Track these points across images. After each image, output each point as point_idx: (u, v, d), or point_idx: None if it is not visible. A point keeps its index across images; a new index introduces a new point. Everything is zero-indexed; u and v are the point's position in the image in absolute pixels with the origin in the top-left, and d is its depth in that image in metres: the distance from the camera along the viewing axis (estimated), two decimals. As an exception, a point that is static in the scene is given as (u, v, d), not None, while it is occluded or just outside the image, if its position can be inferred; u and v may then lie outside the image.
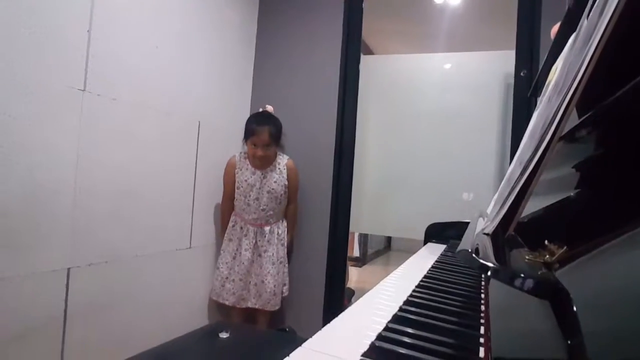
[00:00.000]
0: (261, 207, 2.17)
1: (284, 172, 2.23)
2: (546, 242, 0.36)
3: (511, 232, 0.47)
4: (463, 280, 0.87)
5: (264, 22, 2.56)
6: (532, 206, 0.50)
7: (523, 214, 0.46)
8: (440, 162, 2.39)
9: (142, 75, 1.75)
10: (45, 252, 1.40)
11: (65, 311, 1.48)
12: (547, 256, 0.34)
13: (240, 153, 2.26)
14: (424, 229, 1.56)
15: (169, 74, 1.91)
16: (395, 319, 0.59)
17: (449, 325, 0.56)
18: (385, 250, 6.81)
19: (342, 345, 0.50)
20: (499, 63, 2.30)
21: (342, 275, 2.47)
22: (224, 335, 1.17)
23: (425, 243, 1.52)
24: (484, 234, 0.57)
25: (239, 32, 2.42)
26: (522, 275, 0.33)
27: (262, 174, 2.19)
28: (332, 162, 2.37)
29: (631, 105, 0.34)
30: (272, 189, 2.18)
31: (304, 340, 0.50)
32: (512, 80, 2.19)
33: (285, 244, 2.27)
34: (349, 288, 3.08)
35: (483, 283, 0.81)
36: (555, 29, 0.86)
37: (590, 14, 0.42)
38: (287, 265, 2.29)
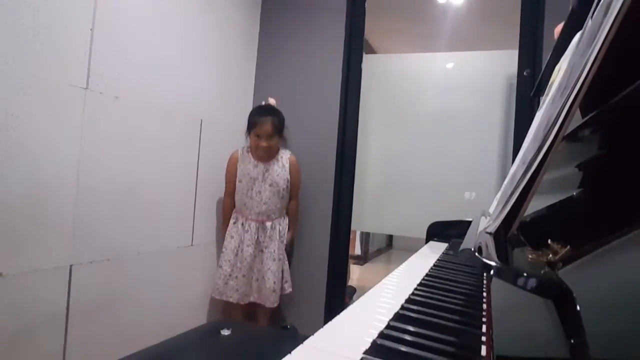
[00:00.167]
0: (263, 201, 2.17)
1: (287, 166, 2.24)
2: (549, 241, 0.36)
3: (514, 231, 0.47)
4: (465, 278, 0.87)
5: (266, 21, 2.56)
6: (535, 205, 0.50)
7: (526, 213, 0.46)
8: (443, 161, 2.38)
9: (145, 73, 1.75)
10: (47, 249, 1.41)
11: (67, 308, 1.49)
12: (550, 255, 0.34)
13: (243, 148, 2.27)
14: (426, 228, 1.56)
15: (172, 72, 1.91)
16: (397, 317, 0.59)
17: (451, 324, 0.56)
18: (387, 249, 6.82)
19: (343, 343, 0.50)
20: (501, 63, 2.30)
21: (344, 274, 2.47)
22: (225, 332, 1.17)
23: (427, 242, 1.52)
24: (487, 232, 0.57)
25: (241, 30, 2.42)
26: (525, 274, 0.33)
27: (264, 167, 2.19)
28: (334, 161, 2.37)
29: (635, 106, 0.34)
30: (275, 182, 2.19)
31: (306, 338, 0.50)
32: (515, 80, 2.19)
33: (285, 242, 2.27)
34: (350, 286, 3.09)
35: (485, 282, 0.81)
36: (558, 28, 0.86)
37: (595, 13, 0.42)
38: (287, 262, 2.28)
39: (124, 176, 1.68)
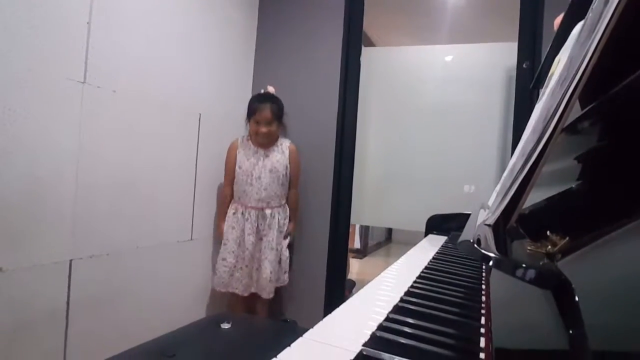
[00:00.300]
0: (263, 187, 2.17)
1: (286, 153, 2.25)
2: (548, 233, 0.36)
3: (513, 223, 0.47)
4: (464, 271, 0.87)
5: (264, 14, 2.55)
6: (534, 197, 0.50)
7: (525, 205, 0.46)
8: (442, 154, 2.38)
9: (143, 67, 1.75)
10: (46, 244, 1.41)
11: (67, 303, 1.49)
12: (549, 247, 0.34)
13: (243, 136, 2.28)
14: (425, 221, 1.57)
15: (170, 66, 1.90)
16: (396, 309, 0.59)
17: (450, 316, 0.56)
18: (386, 242, 6.83)
19: (343, 335, 0.50)
20: (501, 55, 2.29)
21: (343, 267, 2.48)
22: (225, 325, 1.18)
23: (426, 235, 1.52)
24: (486, 225, 0.57)
25: (239, 23, 2.41)
26: (524, 265, 0.33)
27: (264, 153, 2.21)
28: (333, 154, 2.37)
29: (634, 98, 0.34)
30: (274, 167, 2.19)
31: (305, 331, 0.50)
32: (514, 72, 2.18)
33: (286, 233, 2.27)
34: (349, 279, 3.10)
35: (484, 274, 0.82)
36: (558, 20, 0.86)
37: (595, 4, 0.41)
38: (286, 252, 2.27)
39: (123, 170, 1.68)
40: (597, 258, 0.28)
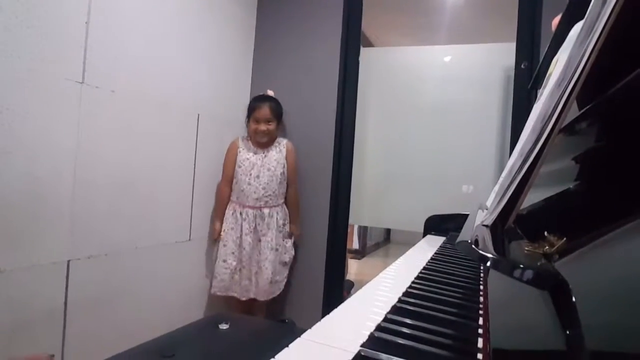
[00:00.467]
0: (262, 186, 2.18)
1: (283, 151, 2.26)
2: (546, 233, 0.36)
3: (511, 223, 0.47)
4: (462, 271, 0.87)
5: (263, 14, 2.54)
6: (532, 198, 0.50)
7: (523, 206, 0.46)
8: (440, 154, 2.38)
9: (141, 67, 1.74)
10: (44, 244, 1.41)
11: (65, 303, 1.49)
12: (547, 247, 0.34)
13: (243, 136, 2.30)
14: (423, 222, 1.57)
15: (169, 66, 1.90)
16: (395, 310, 0.59)
17: (448, 316, 0.57)
18: (385, 243, 6.82)
19: (341, 336, 0.50)
20: (499, 55, 2.29)
21: (342, 268, 2.48)
22: (223, 326, 1.18)
23: (424, 235, 1.52)
24: (484, 225, 0.57)
25: (238, 23, 2.41)
26: (522, 266, 0.33)
27: (263, 153, 2.22)
28: (331, 155, 2.37)
29: (631, 98, 0.34)
30: (273, 167, 2.20)
31: (304, 331, 0.50)
32: (512, 73, 2.18)
33: (284, 232, 2.27)
34: (348, 280, 3.09)
35: (482, 274, 0.82)
36: (556, 20, 0.86)
37: (593, 5, 0.41)
38: (285, 253, 2.28)
39: (121, 171, 1.68)
40: (595, 259, 0.28)
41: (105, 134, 1.60)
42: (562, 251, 0.32)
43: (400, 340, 0.47)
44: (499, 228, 0.49)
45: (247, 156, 2.22)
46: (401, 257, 1.05)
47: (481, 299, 0.66)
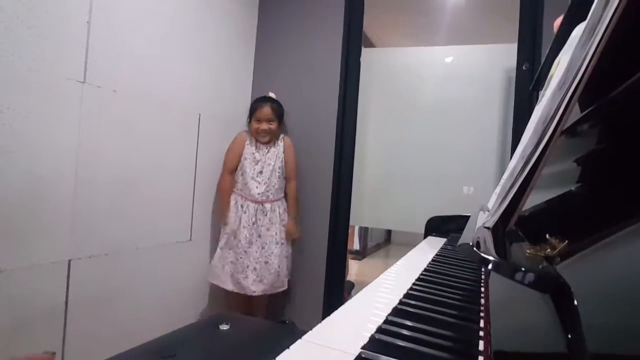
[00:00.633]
0: (264, 182, 2.21)
1: (281, 145, 2.30)
2: (547, 236, 0.36)
3: (512, 225, 0.47)
4: (463, 273, 0.87)
5: (264, 14, 2.55)
6: (534, 200, 0.50)
7: (524, 208, 0.46)
8: (441, 155, 2.38)
9: (143, 66, 1.75)
10: (45, 244, 1.41)
11: (66, 303, 1.49)
12: (548, 250, 0.34)
13: (247, 131, 2.33)
14: (424, 223, 1.57)
15: (170, 66, 1.90)
16: (395, 311, 0.59)
17: (449, 319, 0.56)
18: (386, 244, 6.82)
19: (342, 337, 0.50)
20: (500, 56, 2.29)
21: (342, 268, 2.48)
22: (224, 327, 1.18)
23: (425, 236, 1.52)
24: (485, 227, 0.57)
25: (239, 23, 2.41)
26: (523, 268, 0.33)
27: (266, 150, 2.26)
28: (332, 155, 2.37)
29: (633, 100, 0.34)
30: (272, 161, 2.24)
31: (304, 333, 0.50)
32: (513, 74, 2.18)
33: (286, 228, 2.28)
34: (348, 281, 3.09)
35: (483, 276, 0.82)
36: (558, 22, 0.86)
37: (594, 7, 0.41)
38: (288, 248, 2.29)
39: (122, 170, 1.68)
40: (596, 261, 0.28)
41: (106, 134, 1.60)
42: (564, 254, 0.32)
43: (401, 343, 0.47)
44: (501, 230, 0.49)
45: (252, 151, 2.26)
46: (402, 259, 1.04)
47: (482, 301, 0.66)
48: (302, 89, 2.44)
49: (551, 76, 0.69)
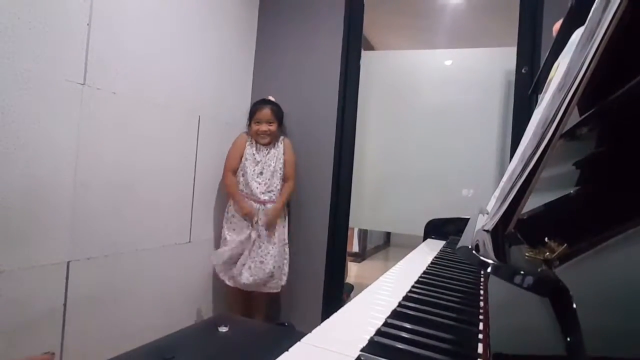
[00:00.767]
0: (264, 183, 2.23)
1: (281, 147, 2.31)
2: (546, 239, 0.36)
3: (511, 229, 0.47)
4: (462, 276, 0.87)
5: (264, 16, 2.55)
6: (533, 203, 0.50)
7: (523, 211, 0.46)
8: (440, 158, 2.39)
9: (143, 68, 1.75)
10: (44, 245, 1.41)
11: (65, 305, 1.49)
12: (547, 253, 0.34)
13: (247, 132, 2.34)
14: (424, 225, 1.57)
15: (170, 68, 1.90)
16: (394, 314, 0.59)
17: (448, 321, 0.56)
18: (385, 246, 6.82)
19: (341, 340, 0.50)
20: (500, 59, 2.29)
21: (342, 271, 2.48)
22: (223, 329, 1.18)
23: (424, 239, 1.52)
24: (484, 230, 0.57)
25: (239, 26, 2.41)
26: (522, 272, 0.33)
27: (266, 151, 2.27)
28: (332, 157, 2.37)
29: (632, 104, 0.34)
30: (273, 163, 2.26)
31: (303, 335, 0.50)
32: (513, 77, 2.18)
33: (285, 226, 2.29)
34: (348, 283, 3.09)
35: (482, 279, 0.82)
36: (557, 25, 0.86)
37: (594, 11, 0.41)
38: (286, 248, 2.29)
39: (122, 172, 1.68)
40: (595, 265, 0.28)
41: (106, 136, 1.60)
42: (563, 257, 0.32)
43: (400, 345, 0.47)
44: (500, 233, 0.49)
45: (252, 152, 2.27)
46: (401, 261, 1.04)
47: (481, 303, 0.66)
48: (302, 91, 2.44)
49: (550, 79, 0.69)
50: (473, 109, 2.33)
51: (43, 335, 1.42)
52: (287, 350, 0.46)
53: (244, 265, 2.17)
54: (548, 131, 0.40)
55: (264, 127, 2.24)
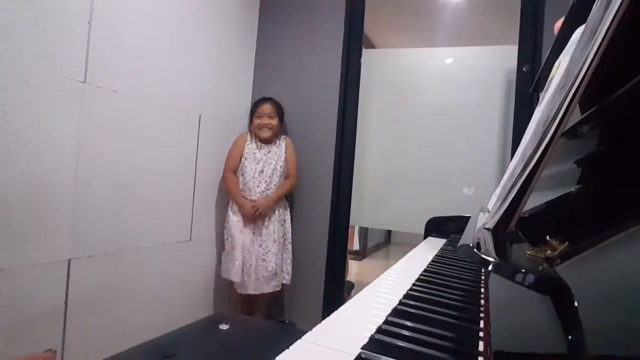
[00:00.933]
0: (264, 180, 2.23)
1: (283, 145, 2.32)
2: (548, 237, 0.36)
3: (512, 227, 0.47)
4: (463, 274, 0.87)
5: (265, 15, 2.55)
6: (534, 201, 0.50)
7: (525, 209, 0.46)
8: (441, 156, 2.38)
9: (143, 67, 1.75)
10: (45, 243, 1.41)
11: (66, 302, 1.49)
12: (549, 251, 0.34)
13: (248, 132, 2.35)
14: (424, 223, 1.57)
15: (170, 66, 1.90)
16: (395, 312, 0.59)
17: (449, 319, 0.56)
18: (385, 244, 6.82)
19: (342, 337, 0.50)
20: (501, 58, 2.29)
21: (342, 269, 2.48)
22: (224, 327, 1.18)
23: (425, 237, 1.52)
24: (485, 228, 0.57)
25: (240, 24, 2.41)
26: (523, 270, 0.33)
27: (267, 149, 2.28)
28: (333, 156, 2.37)
29: (633, 103, 0.34)
30: (274, 161, 2.26)
31: (304, 333, 0.50)
32: (514, 76, 2.18)
33: (285, 226, 2.30)
34: (348, 281, 3.09)
35: (483, 277, 0.82)
36: (558, 24, 0.86)
37: (595, 9, 0.41)
38: (289, 247, 2.30)
39: (122, 170, 1.68)
40: (596, 263, 0.28)
41: (106, 134, 1.60)
42: (564, 255, 0.32)
43: (401, 343, 0.47)
44: (501, 231, 0.49)
45: (253, 150, 2.27)
46: (402, 259, 1.05)
47: (482, 301, 0.66)
48: (302, 89, 2.44)
49: (552, 78, 0.69)
50: (474, 107, 2.33)
51: (44, 333, 1.42)
52: (287, 348, 0.46)
53: (250, 265, 2.18)
54: (549, 129, 0.40)
55: (266, 120, 2.26)
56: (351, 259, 5.04)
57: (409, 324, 0.54)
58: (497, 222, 0.51)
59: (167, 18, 1.86)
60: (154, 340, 1.09)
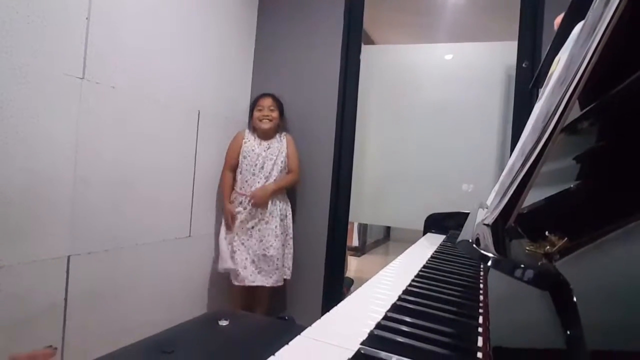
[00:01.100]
0: (265, 176, 2.23)
1: (284, 141, 2.32)
2: (547, 233, 0.36)
3: (511, 223, 0.47)
4: (462, 270, 0.87)
5: (264, 12, 2.54)
6: (533, 197, 0.50)
7: (524, 205, 0.46)
8: (441, 152, 2.38)
9: (142, 63, 1.74)
10: (44, 240, 1.41)
11: (65, 299, 1.49)
12: (548, 247, 0.34)
13: (247, 129, 2.35)
14: (424, 220, 1.57)
15: (169, 63, 1.89)
16: (394, 308, 0.59)
17: (448, 315, 0.57)
18: (385, 240, 6.83)
19: (341, 333, 0.50)
20: (500, 54, 2.29)
21: (342, 265, 2.48)
22: (223, 323, 1.18)
23: (424, 233, 1.52)
24: (484, 224, 0.57)
25: (239, 21, 2.40)
26: (523, 265, 0.33)
27: (267, 144, 2.28)
28: (332, 152, 2.37)
29: (633, 98, 0.34)
30: (275, 156, 2.26)
31: (304, 329, 0.50)
32: (514, 71, 2.18)
33: (286, 221, 2.30)
34: (348, 277, 3.10)
35: (482, 273, 0.82)
36: (558, 19, 0.85)
37: (595, 5, 0.41)
38: (290, 242, 2.30)
39: (121, 167, 1.68)
40: (596, 259, 0.28)
41: (105, 130, 1.60)
42: (563, 251, 0.32)
43: (400, 339, 0.48)
44: (500, 227, 0.49)
45: (252, 147, 2.26)
46: (401, 255, 1.05)
47: (481, 297, 0.66)
48: (301, 86, 2.43)
49: (551, 74, 0.69)
50: (473, 103, 2.33)
51: (44, 330, 1.43)
52: (287, 343, 0.46)
53: (246, 259, 2.18)
54: (548, 125, 0.40)
55: (266, 112, 2.26)
56: (350, 255, 5.04)
57: (408, 319, 0.54)
58: (497, 218, 0.51)
59: (166, 14, 1.86)
60: (153, 336, 1.09)
